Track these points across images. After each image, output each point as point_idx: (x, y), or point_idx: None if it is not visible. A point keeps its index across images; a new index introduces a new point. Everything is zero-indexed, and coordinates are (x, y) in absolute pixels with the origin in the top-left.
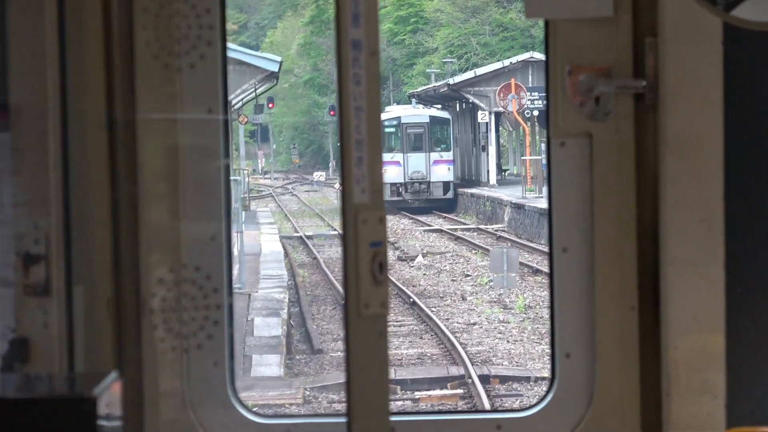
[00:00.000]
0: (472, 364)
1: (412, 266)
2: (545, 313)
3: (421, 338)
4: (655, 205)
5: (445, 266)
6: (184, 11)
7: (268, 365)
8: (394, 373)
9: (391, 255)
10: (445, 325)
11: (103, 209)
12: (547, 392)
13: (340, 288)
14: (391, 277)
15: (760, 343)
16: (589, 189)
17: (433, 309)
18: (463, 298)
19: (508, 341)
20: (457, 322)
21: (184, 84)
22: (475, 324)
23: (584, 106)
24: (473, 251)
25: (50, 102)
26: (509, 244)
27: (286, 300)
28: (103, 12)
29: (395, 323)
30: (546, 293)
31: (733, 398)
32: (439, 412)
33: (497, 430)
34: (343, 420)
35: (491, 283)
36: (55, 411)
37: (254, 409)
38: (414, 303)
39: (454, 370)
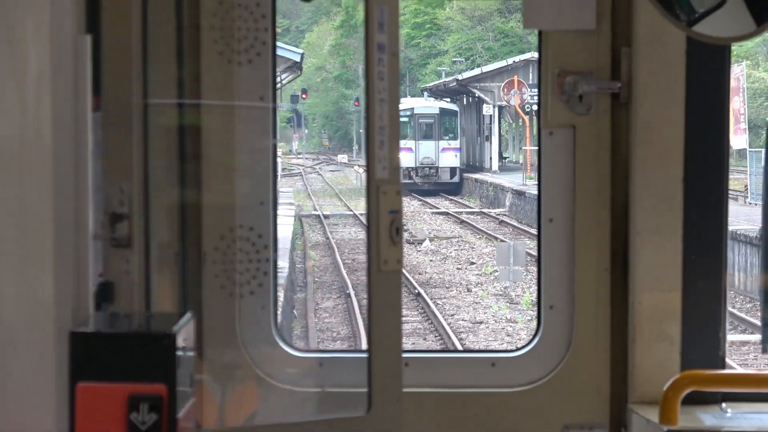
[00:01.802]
0: None
1: (419, 251)
2: None
3: (425, 339)
4: (625, 185)
5: (450, 252)
6: (245, 16)
7: None
8: None
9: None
10: (449, 323)
11: (174, 178)
12: (533, 337)
13: (346, 276)
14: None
15: (710, 300)
16: (572, 170)
17: (438, 302)
18: (468, 290)
19: (516, 347)
20: (462, 319)
21: (242, 76)
22: (481, 323)
23: (569, 102)
24: (477, 236)
25: (133, 87)
26: (511, 229)
27: (280, 298)
28: (176, 16)
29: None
30: None
31: (687, 346)
32: (443, 350)
33: (492, 367)
34: (365, 355)
35: (496, 273)
36: (140, 344)
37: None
38: (419, 294)
39: None
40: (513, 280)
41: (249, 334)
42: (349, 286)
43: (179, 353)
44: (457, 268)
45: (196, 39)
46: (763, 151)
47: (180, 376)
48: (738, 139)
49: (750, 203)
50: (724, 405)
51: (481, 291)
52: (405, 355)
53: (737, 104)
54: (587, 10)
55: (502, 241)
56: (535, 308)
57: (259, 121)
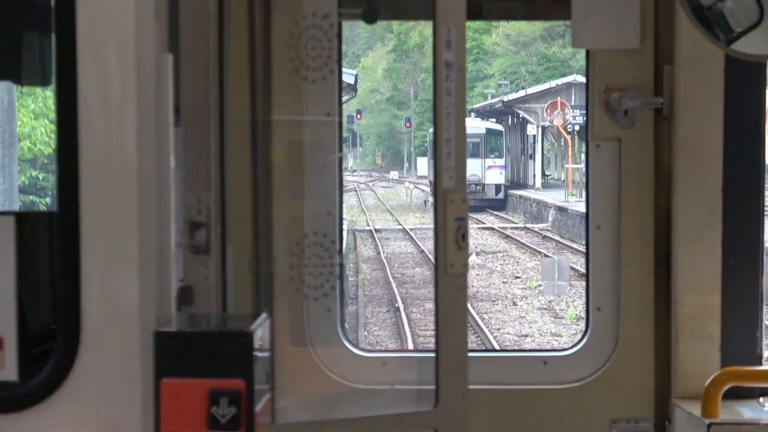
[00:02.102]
0: None
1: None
2: None
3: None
4: (668, 194)
5: (496, 266)
6: (318, 36)
7: None
8: None
9: None
10: (495, 336)
11: (247, 189)
12: (582, 337)
13: (396, 290)
14: None
15: (748, 300)
16: (617, 181)
17: (485, 316)
18: (514, 303)
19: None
20: (508, 333)
21: (311, 93)
22: (527, 336)
23: (615, 116)
24: (522, 250)
25: (211, 105)
26: (554, 244)
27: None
28: (249, 37)
29: None
30: None
31: (726, 344)
32: (500, 350)
33: (544, 365)
34: (427, 354)
35: (540, 287)
36: (220, 342)
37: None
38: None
39: None
40: (557, 294)
41: (316, 335)
42: (398, 299)
43: (256, 351)
44: (503, 282)
45: (268, 58)
46: None
47: (257, 372)
48: None
49: None
50: (761, 399)
51: (526, 305)
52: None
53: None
54: (632, 30)
55: (545, 255)
56: (579, 322)
57: (326, 135)
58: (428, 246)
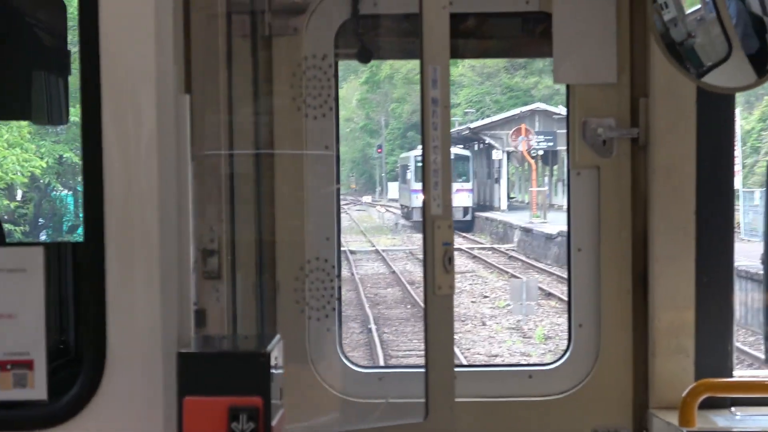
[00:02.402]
0: None
1: None
2: (563, 345)
3: None
4: (644, 217)
5: (465, 286)
6: (319, 76)
7: None
8: None
9: (418, 273)
10: (466, 357)
11: (253, 218)
12: (565, 352)
13: (369, 311)
14: (417, 298)
15: (720, 317)
16: (597, 205)
17: (455, 336)
18: (483, 323)
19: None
20: (478, 353)
21: (310, 128)
22: (496, 356)
23: (594, 146)
24: (489, 270)
25: (222, 141)
26: (520, 263)
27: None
28: (253, 78)
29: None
30: (561, 320)
31: (700, 357)
32: (485, 365)
33: (529, 378)
34: (418, 370)
35: (509, 307)
36: (240, 362)
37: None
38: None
39: None
40: (526, 314)
41: (316, 353)
42: (371, 320)
43: (272, 369)
44: (472, 302)
45: (270, 97)
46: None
47: (273, 390)
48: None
49: (743, 239)
50: (733, 409)
51: (496, 324)
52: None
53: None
54: (609, 65)
55: (512, 275)
56: (547, 342)
57: (325, 166)
58: (399, 266)
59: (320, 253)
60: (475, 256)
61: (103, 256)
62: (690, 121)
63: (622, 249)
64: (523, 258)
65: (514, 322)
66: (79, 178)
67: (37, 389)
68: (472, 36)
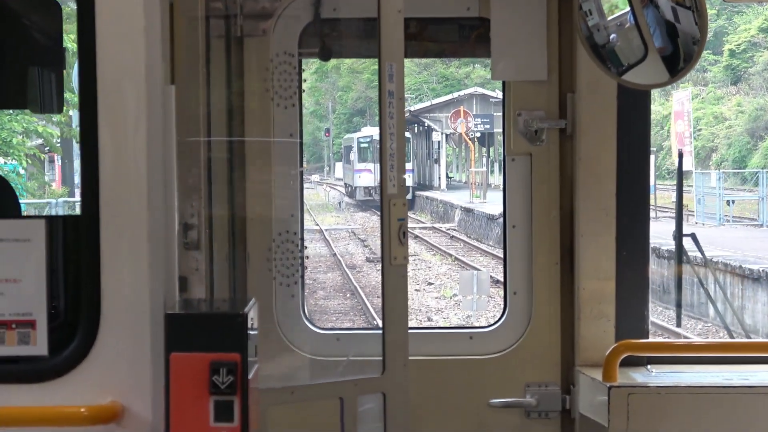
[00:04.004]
0: None
1: (378, 270)
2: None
3: None
4: (571, 198)
5: (408, 270)
6: (289, 70)
7: None
8: None
9: (360, 254)
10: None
11: (227, 197)
12: (501, 316)
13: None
14: (357, 286)
15: (637, 286)
16: (529, 188)
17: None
18: (429, 319)
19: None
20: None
21: (278, 117)
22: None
23: (527, 135)
24: (432, 252)
25: (201, 127)
26: (462, 244)
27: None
28: (226, 72)
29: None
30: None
31: (620, 321)
32: (429, 328)
33: (470, 339)
34: (374, 331)
35: (456, 297)
36: (221, 322)
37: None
38: (378, 326)
39: None
40: (476, 309)
41: (282, 316)
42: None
43: (249, 330)
44: (415, 290)
45: (242, 91)
46: None
47: (249, 347)
48: (686, 160)
49: (697, 223)
50: (649, 366)
51: (443, 320)
52: None
53: (681, 127)
54: (540, 64)
55: (456, 258)
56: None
57: (290, 152)
58: (340, 247)
59: (288, 226)
60: (416, 236)
61: (98, 229)
62: (611, 114)
63: (551, 226)
64: (465, 238)
65: (464, 318)
66: None
67: (39, 346)
68: (414, 39)
